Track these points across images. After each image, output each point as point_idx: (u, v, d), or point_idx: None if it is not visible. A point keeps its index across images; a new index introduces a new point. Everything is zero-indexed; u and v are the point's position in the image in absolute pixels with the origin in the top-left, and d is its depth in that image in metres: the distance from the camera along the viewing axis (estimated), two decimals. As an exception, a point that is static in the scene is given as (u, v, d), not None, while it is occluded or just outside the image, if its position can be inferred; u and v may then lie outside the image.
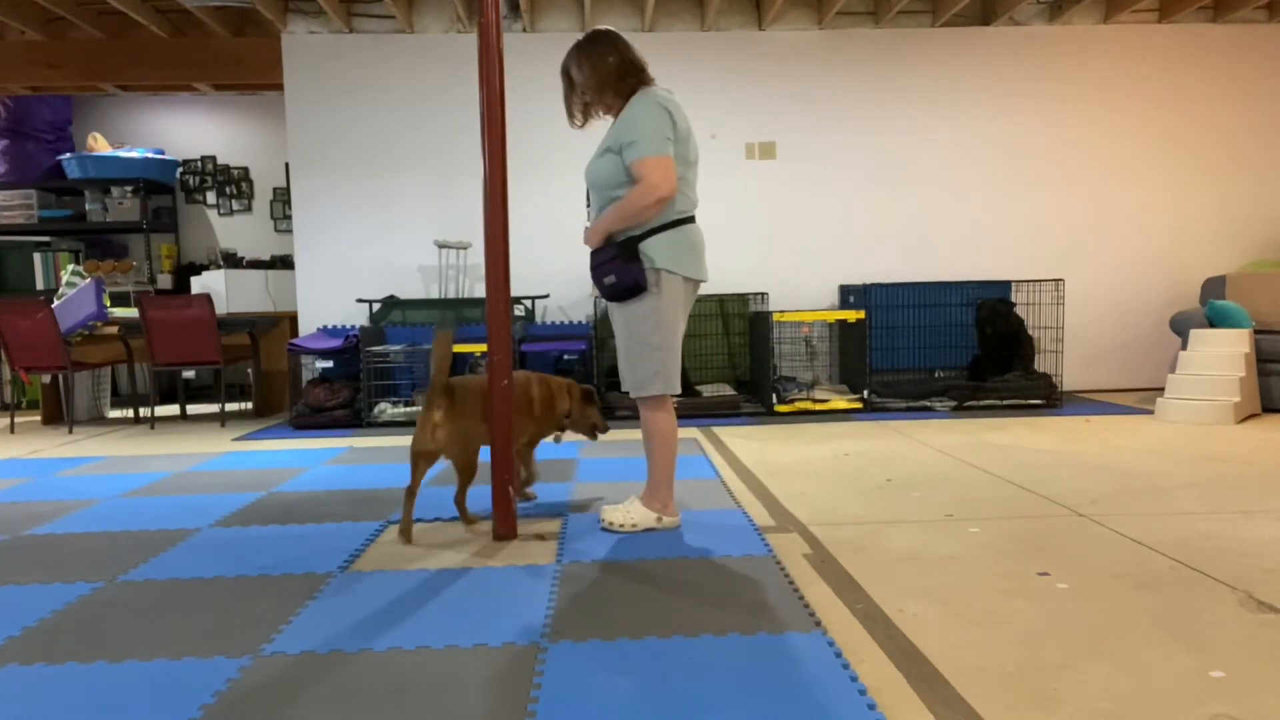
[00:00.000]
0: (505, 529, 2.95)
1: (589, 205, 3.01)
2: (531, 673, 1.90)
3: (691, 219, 2.90)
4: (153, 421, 6.05)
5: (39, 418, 6.45)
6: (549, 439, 3.48)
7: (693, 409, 5.64)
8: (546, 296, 6.40)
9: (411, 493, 2.99)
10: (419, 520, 3.23)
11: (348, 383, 5.80)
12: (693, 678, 1.86)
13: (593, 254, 2.90)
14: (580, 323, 6.34)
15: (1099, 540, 2.80)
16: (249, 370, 6.66)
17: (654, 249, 2.81)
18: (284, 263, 7.93)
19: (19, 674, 1.96)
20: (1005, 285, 6.26)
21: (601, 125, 3.02)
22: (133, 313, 6.07)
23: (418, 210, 6.50)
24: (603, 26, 2.99)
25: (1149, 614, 2.16)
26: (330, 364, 5.81)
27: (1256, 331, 5.36)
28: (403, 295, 6.46)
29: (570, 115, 3.02)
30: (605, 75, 2.86)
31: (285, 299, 6.99)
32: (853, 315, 5.90)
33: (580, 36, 2.97)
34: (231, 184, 8.45)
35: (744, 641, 2.04)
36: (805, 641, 2.03)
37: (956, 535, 2.89)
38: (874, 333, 5.88)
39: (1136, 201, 6.66)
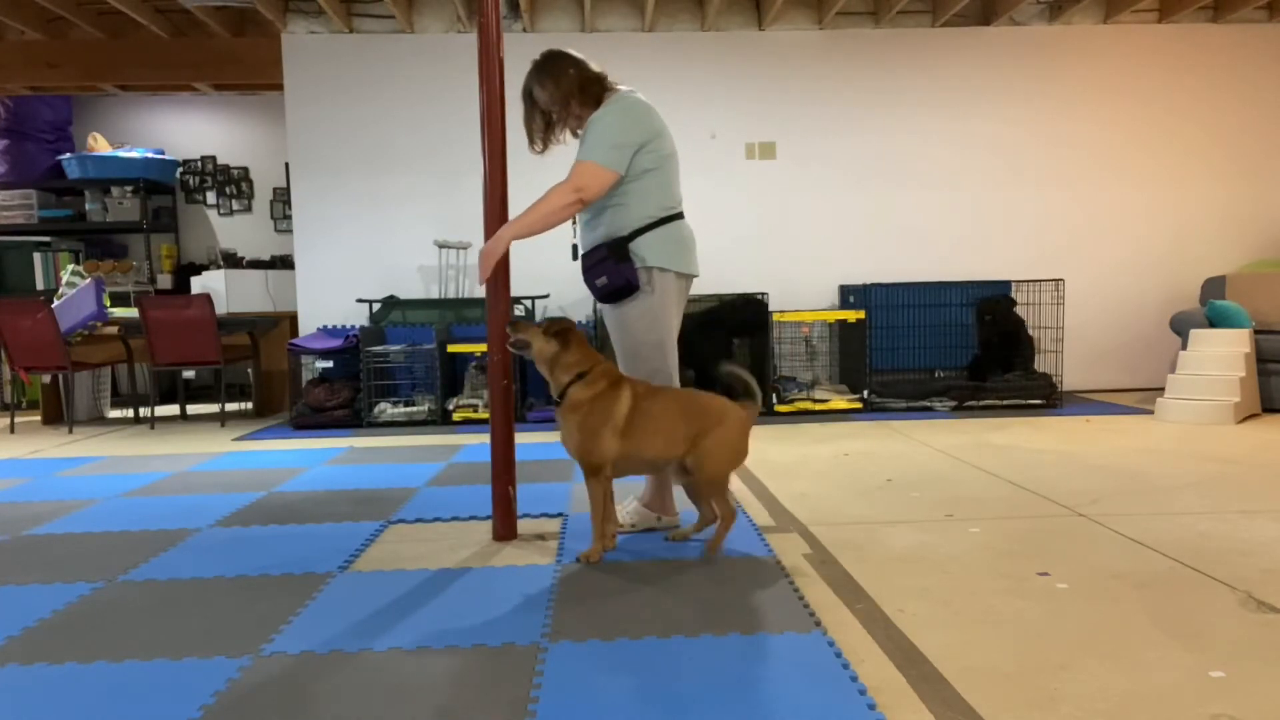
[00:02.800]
0: (505, 529, 2.95)
1: (574, 221, 3.01)
2: (531, 673, 1.90)
3: (679, 215, 2.90)
4: (153, 421, 6.05)
5: (39, 418, 6.45)
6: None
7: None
8: (547, 296, 6.40)
9: None
10: (419, 520, 3.23)
11: (348, 383, 5.79)
12: (693, 678, 1.86)
13: (583, 257, 2.91)
14: (580, 323, 6.34)
15: (1099, 540, 2.80)
16: (249, 370, 6.66)
17: (644, 247, 2.81)
18: (284, 263, 7.92)
19: (19, 674, 1.96)
20: (1005, 285, 6.25)
21: (568, 150, 3.02)
22: (133, 313, 6.07)
23: (418, 210, 6.50)
24: (554, 47, 2.98)
25: (1149, 614, 2.16)
26: (330, 364, 5.81)
27: (1256, 331, 5.36)
28: (403, 295, 6.46)
29: (530, 140, 3.00)
30: (568, 88, 2.87)
31: (285, 299, 6.99)
32: (853, 315, 5.91)
33: (536, 58, 2.96)
34: (231, 184, 8.45)
35: (744, 641, 2.04)
36: (805, 641, 2.03)
37: (956, 535, 2.89)
38: (874, 333, 5.88)
39: (1136, 201, 6.66)
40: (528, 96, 2.96)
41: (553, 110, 2.93)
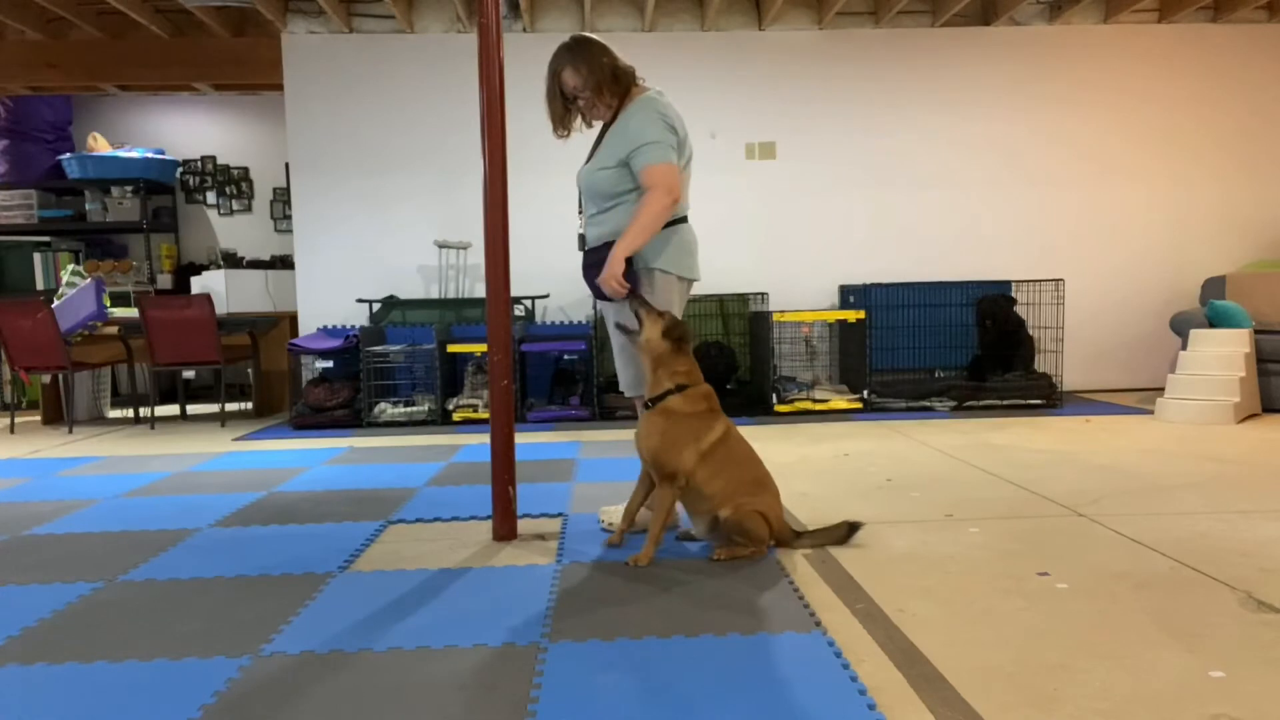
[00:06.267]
0: (505, 529, 2.95)
1: (580, 212, 3.01)
2: (531, 673, 1.90)
3: (685, 219, 2.90)
4: (153, 421, 6.05)
5: (39, 418, 6.45)
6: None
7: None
8: (546, 296, 6.40)
9: None
10: (419, 520, 3.23)
11: (348, 383, 5.79)
12: (693, 678, 1.86)
13: (587, 253, 2.89)
14: (580, 323, 6.34)
15: (1099, 540, 2.79)
16: (249, 370, 6.66)
17: (650, 250, 2.81)
18: (284, 263, 7.93)
19: (19, 674, 1.96)
20: (1005, 285, 6.26)
21: (582, 142, 3.01)
22: (133, 313, 6.07)
23: (418, 210, 6.50)
24: (582, 34, 2.96)
25: (1149, 614, 2.16)
26: (330, 364, 5.81)
27: (1256, 331, 5.36)
28: (403, 295, 6.46)
29: (556, 123, 2.94)
30: (602, 75, 2.83)
31: (285, 299, 6.99)
32: (853, 315, 5.90)
33: (566, 40, 2.92)
34: (231, 184, 8.45)
35: (744, 641, 2.04)
36: (805, 641, 2.03)
37: (956, 535, 2.88)
38: (874, 333, 5.88)
39: (1136, 201, 6.66)
40: (555, 77, 2.90)
41: (580, 95, 2.87)
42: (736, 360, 6.16)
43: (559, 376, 6.04)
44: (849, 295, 6.35)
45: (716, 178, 6.40)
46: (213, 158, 8.44)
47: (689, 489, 2.67)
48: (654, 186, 2.73)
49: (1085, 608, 2.22)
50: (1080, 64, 6.57)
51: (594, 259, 2.86)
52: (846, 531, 2.79)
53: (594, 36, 2.92)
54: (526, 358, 5.90)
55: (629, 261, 2.79)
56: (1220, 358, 5.21)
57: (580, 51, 2.85)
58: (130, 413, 6.53)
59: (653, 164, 2.73)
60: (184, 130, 8.42)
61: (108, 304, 6.22)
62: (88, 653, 2.06)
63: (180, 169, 8.25)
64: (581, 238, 2.97)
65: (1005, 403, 5.78)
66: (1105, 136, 6.61)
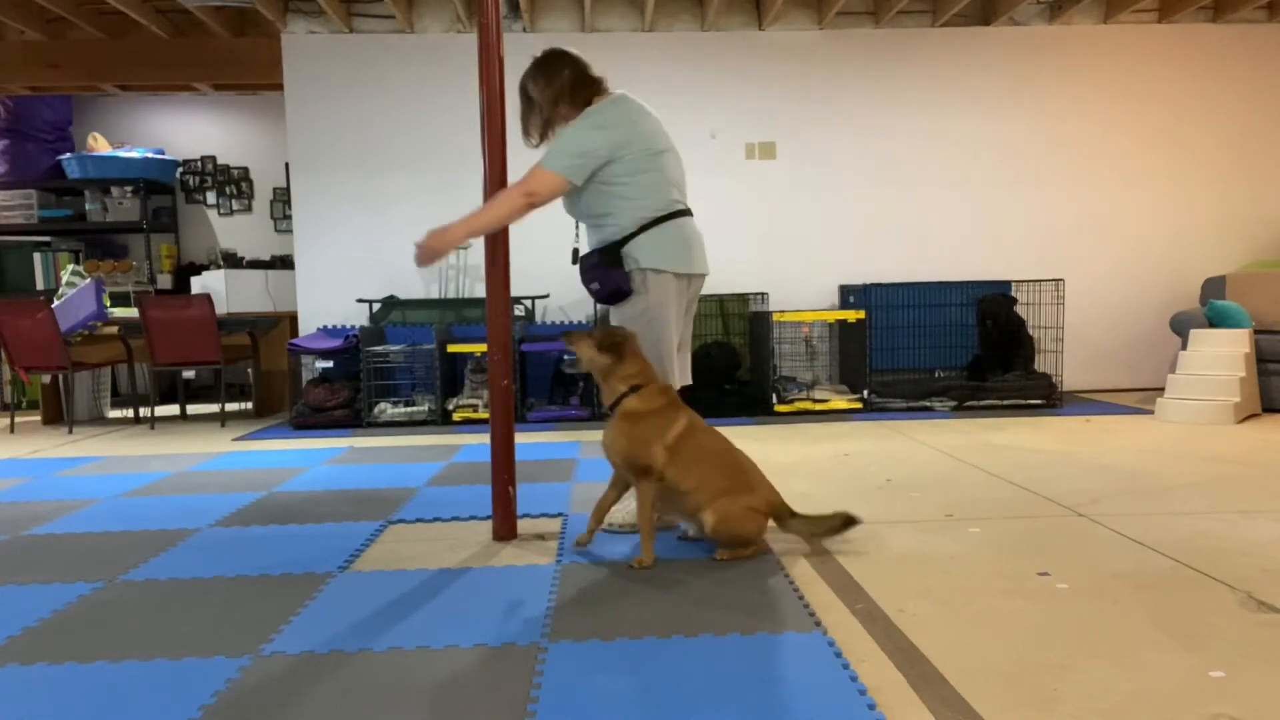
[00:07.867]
0: (505, 529, 2.95)
1: (576, 225, 3.07)
2: (531, 673, 1.90)
3: (676, 214, 2.89)
4: (153, 421, 6.05)
5: (39, 418, 6.45)
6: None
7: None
8: (546, 296, 6.40)
9: None
10: (419, 520, 3.23)
11: (348, 383, 5.79)
12: (693, 678, 1.85)
13: (581, 259, 2.95)
14: (580, 323, 6.34)
15: (1099, 540, 2.79)
16: (249, 370, 6.66)
17: (638, 249, 2.83)
18: (284, 263, 7.92)
19: (19, 674, 1.96)
20: (1005, 285, 6.26)
21: None
22: (133, 313, 6.07)
23: (418, 210, 6.49)
24: (557, 46, 3.01)
25: (1149, 614, 2.16)
26: (330, 364, 5.81)
27: (1256, 331, 5.36)
28: (403, 295, 6.46)
29: (526, 133, 3.03)
30: (560, 89, 2.90)
31: (285, 299, 6.99)
32: (853, 315, 5.90)
33: (537, 54, 3.00)
34: (231, 184, 8.45)
35: (744, 641, 2.04)
36: (805, 641, 2.03)
37: (956, 535, 2.89)
38: (874, 333, 5.88)
39: (1136, 201, 6.66)
40: (524, 91, 3.00)
41: (544, 109, 2.96)
42: (739, 358, 6.17)
43: (559, 376, 6.04)
44: (849, 295, 6.35)
45: (716, 178, 6.41)
46: (213, 158, 8.44)
47: (664, 487, 2.65)
48: (520, 182, 2.77)
49: (1085, 608, 2.22)
50: (1080, 64, 6.57)
51: (585, 265, 2.93)
52: (842, 523, 2.76)
53: (567, 50, 2.97)
54: (526, 358, 5.90)
55: (619, 264, 2.81)
56: (1220, 358, 5.21)
57: (542, 66, 2.95)
58: (130, 413, 6.53)
59: (539, 164, 2.78)
60: (184, 130, 8.42)
61: (108, 304, 6.22)
62: (88, 653, 2.06)
63: (180, 169, 8.25)
64: (575, 252, 3.02)
65: (1005, 403, 5.78)
66: (1105, 136, 6.61)
